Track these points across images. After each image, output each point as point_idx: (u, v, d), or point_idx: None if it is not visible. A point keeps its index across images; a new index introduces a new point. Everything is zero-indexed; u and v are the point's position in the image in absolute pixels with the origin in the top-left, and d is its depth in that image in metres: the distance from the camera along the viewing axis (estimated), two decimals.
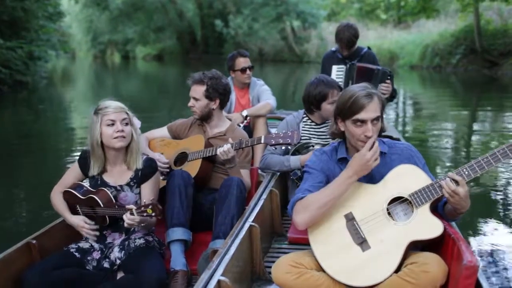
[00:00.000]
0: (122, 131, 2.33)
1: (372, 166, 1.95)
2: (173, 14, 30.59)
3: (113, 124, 2.33)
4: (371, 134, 1.96)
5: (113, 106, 2.35)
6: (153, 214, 2.21)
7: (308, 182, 2.09)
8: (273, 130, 3.57)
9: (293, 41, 25.13)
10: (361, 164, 1.94)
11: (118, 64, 33.90)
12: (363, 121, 1.96)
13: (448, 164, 5.71)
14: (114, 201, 2.38)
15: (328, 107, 2.97)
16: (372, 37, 21.74)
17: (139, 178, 2.45)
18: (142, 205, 2.24)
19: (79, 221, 2.42)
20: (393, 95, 3.83)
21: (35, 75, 16.14)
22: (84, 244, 2.43)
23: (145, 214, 2.22)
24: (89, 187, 2.45)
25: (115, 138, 2.33)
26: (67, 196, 2.48)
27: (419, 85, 15.97)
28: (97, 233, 2.43)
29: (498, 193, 4.79)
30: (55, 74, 26.13)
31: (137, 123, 2.47)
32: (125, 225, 2.26)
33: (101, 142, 2.36)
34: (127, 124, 2.36)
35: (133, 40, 33.74)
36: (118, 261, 2.37)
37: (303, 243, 2.48)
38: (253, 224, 2.44)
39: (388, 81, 3.75)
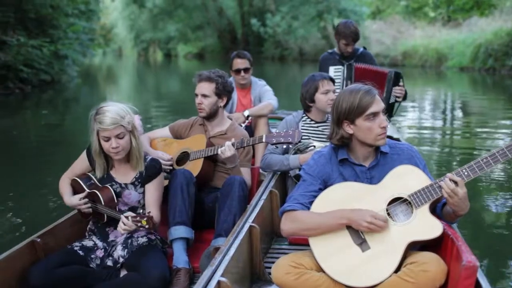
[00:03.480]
0: (117, 147, 2.34)
1: (363, 227, 1.93)
2: (213, 12, 30.55)
3: (109, 140, 2.33)
4: (386, 124, 2.00)
5: (107, 123, 2.30)
6: (146, 226, 2.25)
7: (300, 190, 2.10)
8: (274, 130, 3.62)
9: (335, 40, 24.26)
10: (359, 219, 1.93)
11: (160, 62, 34.38)
12: (375, 114, 1.98)
13: (499, 176, 5.34)
14: (115, 200, 2.42)
15: (321, 97, 3.06)
16: (419, 36, 20.68)
17: (143, 179, 2.49)
18: (138, 214, 2.27)
19: (73, 201, 2.47)
20: (405, 96, 3.88)
21: (64, 74, 15.85)
22: (87, 242, 2.47)
23: (139, 224, 2.25)
24: (96, 182, 2.48)
25: (111, 152, 2.36)
26: (74, 184, 2.54)
27: (470, 88, 14.92)
28: (89, 204, 2.45)
29: (498, 193, 4.76)
30: (99, 72, 26.63)
31: (137, 122, 2.45)
32: (119, 230, 2.29)
33: (101, 149, 2.40)
34: (123, 137, 2.35)
35: (175, 38, 34.04)
36: (121, 259, 2.40)
37: (303, 244, 2.48)
38: (253, 224, 2.45)
39: (401, 83, 3.79)
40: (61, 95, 14.23)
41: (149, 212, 2.32)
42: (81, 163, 2.57)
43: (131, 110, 2.41)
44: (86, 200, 2.45)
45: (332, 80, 3.13)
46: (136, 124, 2.44)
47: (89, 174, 2.55)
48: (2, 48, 12.88)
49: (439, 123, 9.10)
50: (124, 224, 2.26)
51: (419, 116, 9.75)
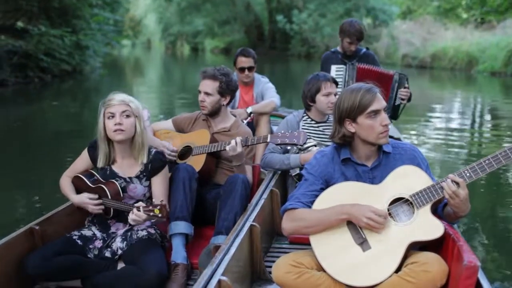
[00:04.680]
0: (120, 124, 2.32)
1: (363, 224, 1.93)
2: (241, 7, 30.48)
3: (113, 117, 2.33)
4: (388, 122, 2.00)
5: (115, 99, 2.35)
6: (160, 215, 2.22)
7: (302, 189, 2.10)
8: (275, 128, 3.64)
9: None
10: (359, 215, 1.92)
11: (186, 55, 34.60)
12: (377, 112, 1.98)
13: (500, 177, 5.33)
14: (122, 194, 2.40)
15: (322, 99, 3.06)
16: (450, 38, 20.07)
17: (149, 172, 2.47)
18: (150, 204, 2.24)
19: (82, 198, 2.43)
20: (409, 98, 3.90)
21: (86, 65, 15.79)
22: (87, 232, 2.45)
23: (151, 213, 2.21)
24: (100, 177, 2.46)
25: (114, 131, 2.33)
26: (77, 181, 2.51)
27: (501, 94, 14.38)
28: (103, 206, 2.42)
29: (499, 193, 4.75)
30: (127, 63, 26.90)
31: (146, 115, 2.45)
32: (130, 221, 2.27)
33: (106, 135, 2.37)
34: (128, 116, 2.35)
35: (202, 32, 34.17)
36: (119, 251, 2.39)
37: (303, 243, 2.49)
38: (253, 224, 2.44)
39: (407, 85, 3.82)
40: (82, 86, 14.20)
41: (162, 200, 2.31)
42: (82, 161, 2.56)
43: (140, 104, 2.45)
44: (98, 200, 2.41)
45: (336, 83, 3.12)
46: (143, 115, 2.45)
47: (91, 171, 2.53)
48: (23, 36, 12.96)
49: (466, 127, 8.87)
50: (136, 216, 2.23)
51: (447, 119, 9.52)
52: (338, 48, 4.15)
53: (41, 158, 5.92)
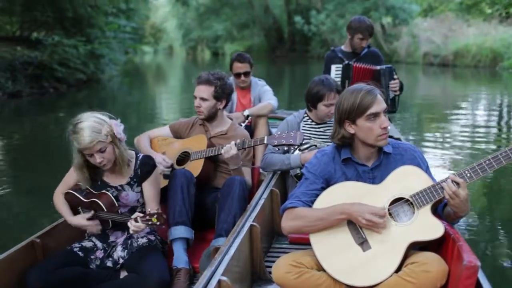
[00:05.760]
0: (102, 160, 2.31)
1: (363, 224, 1.93)
2: (259, 10, 30.54)
3: (92, 155, 2.30)
4: (387, 124, 1.98)
5: (85, 142, 2.25)
6: (158, 223, 2.22)
7: (302, 188, 2.10)
8: (274, 130, 3.64)
9: (382, 39, 23.56)
10: (359, 214, 1.92)
11: (207, 60, 34.87)
12: (376, 114, 1.97)
13: (501, 177, 5.26)
14: (116, 204, 2.40)
15: (323, 108, 3.05)
16: (472, 35, 19.59)
17: (139, 177, 2.46)
18: (147, 213, 2.24)
19: (81, 220, 2.43)
20: (401, 88, 3.88)
21: (101, 73, 15.65)
22: (87, 243, 2.45)
23: (150, 222, 2.22)
24: (91, 190, 2.44)
25: (101, 166, 2.34)
26: (69, 197, 2.47)
27: None
28: (100, 227, 2.43)
29: (499, 193, 4.74)
30: (148, 70, 27.23)
31: (117, 130, 2.36)
32: (131, 231, 2.28)
33: (85, 162, 2.35)
34: (104, 150, 2.30)
35: (222, 37, 34.38)
36: (121, 260, 2.39)
37: (303, 243, 2.51)
38: (253, 224, 2.44)
39: (396, 76, 3.81)
40: (98, 95, 14.02)
41: (158, 208, 2.31)
42: (73, 175, 2.48)
43: (107, 118, 2.35)
44: (97, 221, 2.41)
45: (339, 92, 3.08)
46: (116, 133, 2.34)
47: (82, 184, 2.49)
48: (37, 47, 12.95)
49: (491, 126, 8.72)
50: (135, 227, 2.24)
51: (471, 117, 9.33)
52: (343, 47, 4.10)
53: (53, 170, 5.99)
